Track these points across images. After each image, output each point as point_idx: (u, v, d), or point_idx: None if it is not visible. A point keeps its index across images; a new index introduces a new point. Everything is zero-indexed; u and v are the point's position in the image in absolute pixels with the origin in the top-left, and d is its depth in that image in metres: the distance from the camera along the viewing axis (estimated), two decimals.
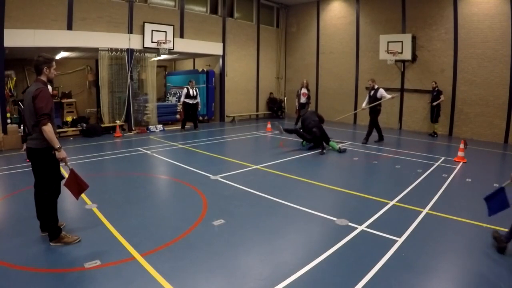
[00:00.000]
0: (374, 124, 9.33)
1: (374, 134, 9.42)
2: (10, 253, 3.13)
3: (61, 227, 3.58)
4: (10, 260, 2.98)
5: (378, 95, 9.17)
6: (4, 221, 4.02)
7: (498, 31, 10.08)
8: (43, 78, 3.38)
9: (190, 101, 11.02)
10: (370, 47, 13.14)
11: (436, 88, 10.80)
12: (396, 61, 12.07)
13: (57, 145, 3.20)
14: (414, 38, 11.76)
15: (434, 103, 10.74)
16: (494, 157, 8.10)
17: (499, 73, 10.00)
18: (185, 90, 11.08)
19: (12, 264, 2.92)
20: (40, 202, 3.39)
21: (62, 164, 3.36)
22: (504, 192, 3.32)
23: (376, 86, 9.31)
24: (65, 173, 3.89)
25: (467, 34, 10.72)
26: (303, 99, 11.76)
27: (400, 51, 11.69)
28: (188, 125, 11.69)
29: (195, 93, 11.10)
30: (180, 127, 11.61)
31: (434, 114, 10.88)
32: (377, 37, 12.43)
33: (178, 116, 13.29)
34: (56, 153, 3.23)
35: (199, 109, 11.67)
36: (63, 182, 3.50)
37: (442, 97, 10.69)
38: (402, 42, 11.66)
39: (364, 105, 9.58)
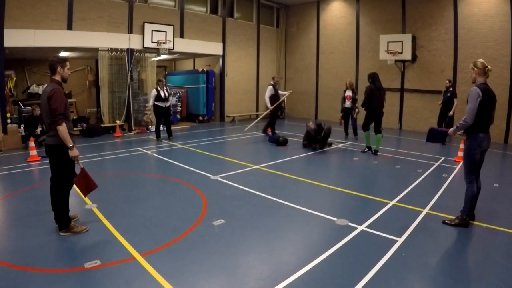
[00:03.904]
0: (275, 117, 9.95)
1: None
2: (10, 253, 3.13)
3: (75, 219, 3.77)
4: (10, 260, 2.98)
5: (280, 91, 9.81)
6: (3, 221, 4.02)
7: (498, 31, 10.08)
8: (58, 78, 3.52)
9: (162, 104, 9.09)
10: (370, 47, 13.14)
11: (450, 89, 9.39)
12: (396, 61, 12.07)
13: (70, 143, 3.39)
14: (414, 38, 11.76)
15: (450, 113, 9.08)
16: (494, 157, 8.09)
17: (499, 73, 10.00)
18: (154, 92, 9.06)
19: (12, 264, 2.91)
20: (54, 194, 3.54)
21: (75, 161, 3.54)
22: (447, 134, 4.16)
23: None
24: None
25: (467, 34, 10.73)
26: (347, 103, 9.72)
27: (400, 51, 11.69)
28: (187, 125, 11.54)
29: (166, 94, 9.18)
30: (164, 133, 9.69)
31: (446, 120, 9.22)
32: (377, 37, 12.43)
33: (178, 116, 13.31)
34: (69, 151, 3.40)
35: (172, 113, 9.98)
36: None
37: (455, 102, 9.13)
38: (402, 42, 11.67)
39: (269, 105, 9.65)
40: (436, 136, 4.36)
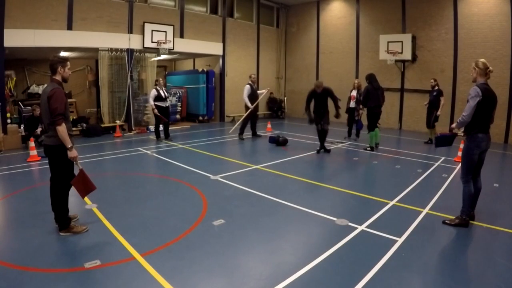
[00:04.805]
0: (252, 117, 9.91)
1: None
2: (10, 253, 3.13)
3: (75, 219, 3.76)
4: (10, 260, 2.98)
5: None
6: (3, 221, 4.02)
7: (498, 31, 10.08)
8: (58, 77, 3.51)
9: (163, 104, 9.11)
10: (370, 47, 13.15)
11: (436, 87, 8.96)
12: (396, 61, 12.07)
13: (69, 144, 3.37)
14: (414, 38, 11.76)
15: (438, 113, 8.85)
16: (494, 157, 8.08)
17: (499, 73, 9.99)
18: (153, 92, 9.02)
19: (12, 264, 2.91)
20: (53, 194, 3.53)
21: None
22: (455, 137, 4.28)
23: None
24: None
25: (467, 34, 10.73)
26: (351, 104, 9.71)
27: (400, 51, 11.70)
28: (187, 125, 11.53)
29: (166, 93, 9.31)
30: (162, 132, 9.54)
31: (432, 119, 9.02)
32: (377, 37, 12.43)
33: (178, 116, 13.30)
34: (68, 152, 3.39)
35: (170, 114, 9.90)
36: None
37: (442, 100, 8.89)
38: (402, 42, 11.67)
39: (250, 104, 9.60)
40: (445, 140, 4.38)
